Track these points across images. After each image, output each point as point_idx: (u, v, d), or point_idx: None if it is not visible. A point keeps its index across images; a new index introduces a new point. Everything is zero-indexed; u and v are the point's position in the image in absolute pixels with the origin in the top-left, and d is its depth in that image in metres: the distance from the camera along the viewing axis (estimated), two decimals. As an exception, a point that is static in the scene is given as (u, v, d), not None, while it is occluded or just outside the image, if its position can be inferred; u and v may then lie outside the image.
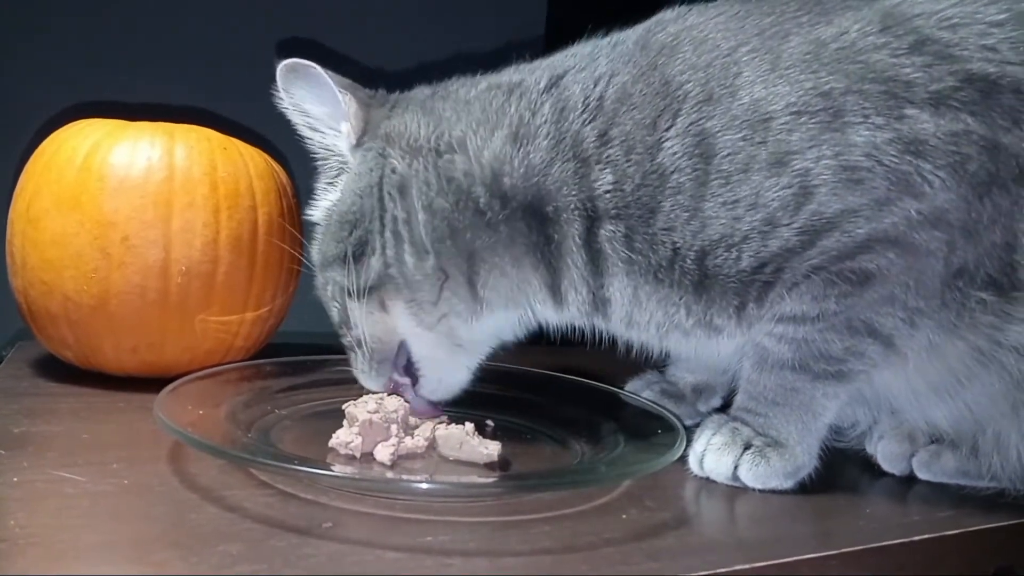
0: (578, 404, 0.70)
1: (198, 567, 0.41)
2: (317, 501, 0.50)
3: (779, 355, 0.59)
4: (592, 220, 0.60)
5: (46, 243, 0.69)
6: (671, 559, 0.46)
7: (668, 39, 0.60)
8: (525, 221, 0.61)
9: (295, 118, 0.67)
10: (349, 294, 0.64)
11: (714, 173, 0.56)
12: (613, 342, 0.68)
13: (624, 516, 0.52)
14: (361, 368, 0.66)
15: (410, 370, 0.66)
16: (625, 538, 0.49)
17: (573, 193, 0.59)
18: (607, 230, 0.59)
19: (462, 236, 0.61)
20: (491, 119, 0.62)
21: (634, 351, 0.68)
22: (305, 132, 0.67)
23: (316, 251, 0.67)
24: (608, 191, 0.59)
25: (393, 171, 0.63)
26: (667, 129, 0.57)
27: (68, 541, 0.43)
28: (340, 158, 0.67)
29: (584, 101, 0.60)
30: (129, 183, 0.69)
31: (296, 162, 0.91)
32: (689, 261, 0.58)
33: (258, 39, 1.08)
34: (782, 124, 0.55)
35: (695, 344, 0.63)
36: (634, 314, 0.62)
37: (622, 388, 0.74)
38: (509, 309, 0.65)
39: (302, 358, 0.74)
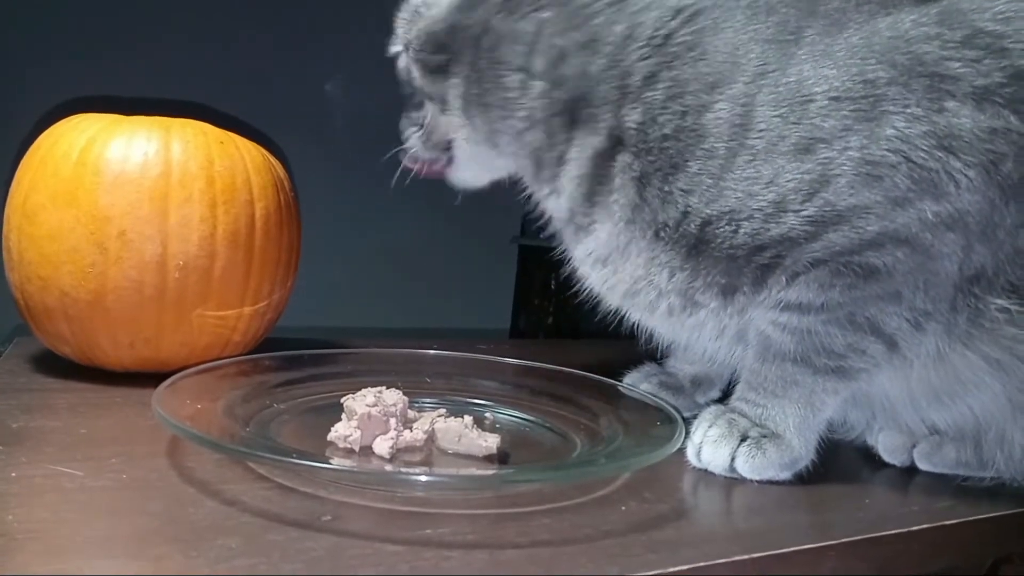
0: (577, 396, 0.70)
1: (197, 561, 0.41)
2: (316, 495, 0.50)
3: (781, 345, 0.59)
4: (615, 145, 0.60)
5: (42, 238, 0.69)
6: (670, 551, 0.46)
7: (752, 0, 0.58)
8: (561, 116, 0.62)
9: None
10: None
11: (745, 147, 0.55)
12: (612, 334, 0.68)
13: (623, 508, 0.52)
14: (416, 141, 0.71)
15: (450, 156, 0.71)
16: (624, 530, 0.49)
17: (608, 114, 0.60)
18: (623, 160, 0.59)
19: (500, 108, 0.64)
20: (576, 23, 0.60)
21: (587, 302, 0.69)
22: None
23: None
24: (633, 128, 0.59)
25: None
26: (722, 92, 0.56)
27: (66, 536, 0.43)
28: None
29: (650, 36, 0.58)
30: (125, 178, 0.69)
31: (293, 156, 0.91)
32: (694, 226, 0.58)
33: (255, 34, 1.08)
34: (819, 108, 0.54)
35: (665, 317, 0.63)
36: (614, 257, 0.62)
37: (620, 380, 0.74)
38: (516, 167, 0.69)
39: (300, 352, 0.74)
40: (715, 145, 0.56)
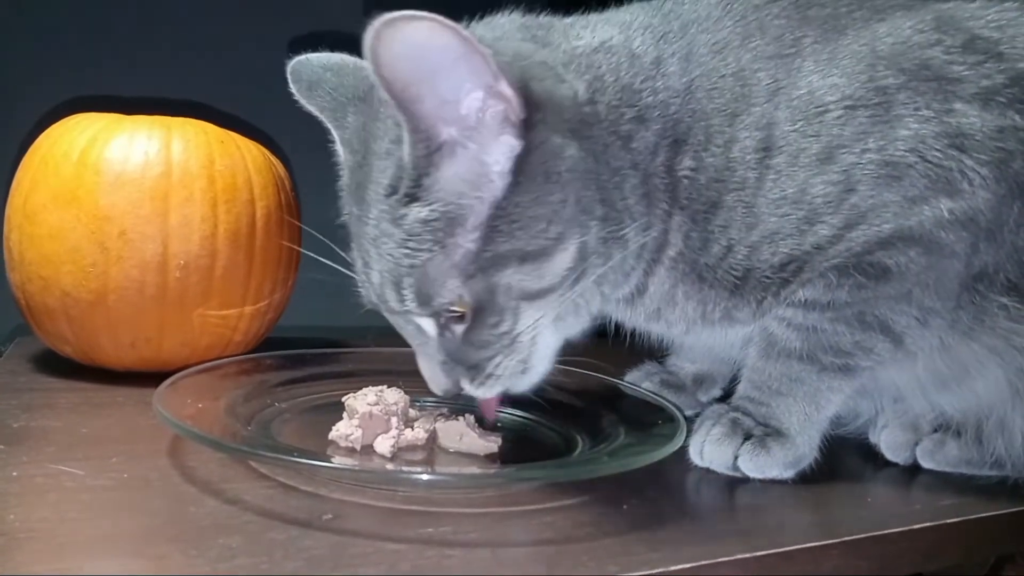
0: (578, 395, 0.70)
1: (198, 560, 0.41)
2: (317, 493, 0.50)
3: (787, 343, 0.59)
4: (671, 207, 0.58)
5: (43, 238, 0.69)
6: (673, 549, 0.46)
7: (743, 14, 0.58)
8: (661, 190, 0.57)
9: None
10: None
11: (771, 168, 0.55)
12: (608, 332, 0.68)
13: (625, 507, 0.52)
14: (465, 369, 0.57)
15: None
16: (626, 528, 0.49)
17: (668, 174, 0.57)
18: (677, 218, 0.58)
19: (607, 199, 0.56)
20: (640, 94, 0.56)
21: (641, 341, 0.68)
22: None
23: None
24: (687, 177, 0.57)
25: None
26: (743, 119, 0.56)
27: (67, 535, 0.43)
28: None
29: (682, 85, 0.56)
30: (126, 177, 0.69)
31: (294, 155, 0.91)
32: (736, 259, 0.57)
33: (256, 32, 1.08)
34: (836, 118, 0.54)
35: (709, 334, 0.63)
36: (663, 309, 0.61)
37: (622, 379, 0.74)
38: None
39: (301, 351, 0.74)
40: (745, 176, 0.56)
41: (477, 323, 0.54)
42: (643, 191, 0.57)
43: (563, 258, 0.54)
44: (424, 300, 0.53)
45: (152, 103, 0.79)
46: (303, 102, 0.62)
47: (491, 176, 0.51)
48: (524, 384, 0.59)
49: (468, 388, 0.57)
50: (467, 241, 0.51)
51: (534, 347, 0.57)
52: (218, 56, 1.06)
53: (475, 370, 0.56)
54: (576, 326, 0.60)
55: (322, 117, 0.61)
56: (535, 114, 0.52)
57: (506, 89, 0.50)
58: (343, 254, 0.59)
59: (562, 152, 0.53)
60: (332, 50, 0.63)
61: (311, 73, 0.61)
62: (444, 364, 0.56)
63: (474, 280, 0.52)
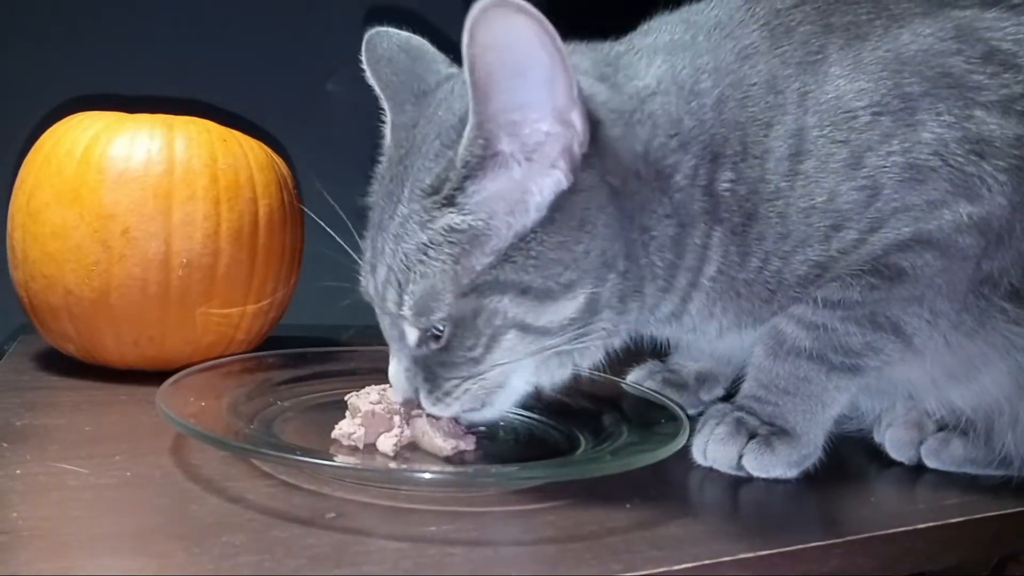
0: (581, 394, 0.70)
1: (201, 558, 0.41)
2: (320, 492, 0.50)
3: (796, 341, 0.59)
4: (711, 221, 0.57)
5: (46, 236, 0.69)
6: (675, 548, 0.46)
7: (767, 19, 0.58)
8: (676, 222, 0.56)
9: None
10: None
11: (801, 175, 0.55)
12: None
13: (628, 506, 0.52)
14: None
15: None
16: (629, 527, 0.49)
17: (707, 191, 0.56)
18: (716, 235, 0.57)
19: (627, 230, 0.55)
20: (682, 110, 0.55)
21: (664, 345, 0.70)
22: None
23: None
24: (727, 192, 0.56)
25: None
26: (777, 129, 0.55)
27: (71, 533, 0.43)
28: None
29: (716, 97, 0.56)
30: (129, 175, 0.69)
31: (296, 154, 0.91)
32: (770, 271, 0.57)
33: (258, 31, 1.08)
34: (864, 123, 0.54)
35: (738, 337, 0.63)
36: (700, 324, 0.61)
37: (624, 378, 0.74)
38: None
39: (304, 350, 0.74)
40: (779, 185, 0.56)
41: (453, 343, 0.53)
42: (673, 245, 0.56)
43: (569, 305, 0.53)
44: (422, 311, 0.52)
45: (155, 101, 0.79)
46: (367, 71, 0.61)
47: (528, 205, 0.51)
48: (481, 417, 0.58)
49: (424, 401, 0.56)
50: (479, 263, 0.51)
51: (500, 386, 0.56)
52: (221, 55, 1.06)
53: (433, 385, 0.55)
54: (557, 376, 0.59)
55: (383, 94, 0.60)
56: (593, 156, 0.51)
57: (578, 119, 0.50)
58: (348, 250, 0.59)
59: (605, 205, 0.52)
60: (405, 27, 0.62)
61: (387, 48, 0.61)
62: (408, 371, 0.56)
63: (465, 299, 0.52)
